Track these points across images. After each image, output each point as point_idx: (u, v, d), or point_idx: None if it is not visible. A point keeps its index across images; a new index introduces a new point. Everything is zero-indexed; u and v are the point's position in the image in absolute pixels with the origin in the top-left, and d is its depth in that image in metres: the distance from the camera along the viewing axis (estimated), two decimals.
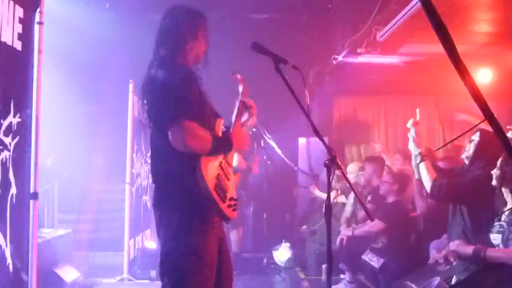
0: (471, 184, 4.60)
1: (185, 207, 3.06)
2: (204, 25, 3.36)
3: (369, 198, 6.62)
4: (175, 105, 2.97)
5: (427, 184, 4.81)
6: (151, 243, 8.52)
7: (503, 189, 4.12)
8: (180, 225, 3.06)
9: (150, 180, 9.05)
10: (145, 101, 3.21)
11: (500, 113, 9.00)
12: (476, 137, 4.75)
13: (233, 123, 3.38)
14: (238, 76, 3.44)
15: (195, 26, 3.31)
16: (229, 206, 3.18)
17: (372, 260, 5.75)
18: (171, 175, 3.11)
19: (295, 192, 9.85)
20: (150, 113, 3.19)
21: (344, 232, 6.44)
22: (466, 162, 4.85)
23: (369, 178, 6.88)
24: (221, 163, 3.22)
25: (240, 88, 3.48)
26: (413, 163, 5.22)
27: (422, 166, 4.84)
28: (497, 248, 3.91)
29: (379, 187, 6.34)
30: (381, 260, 5.64)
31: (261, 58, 3.26)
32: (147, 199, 9.06)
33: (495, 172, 4.13)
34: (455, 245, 4.16)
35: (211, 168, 3.10)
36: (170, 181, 3.11)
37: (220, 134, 3.32)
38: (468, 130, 4.54)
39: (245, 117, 3.49)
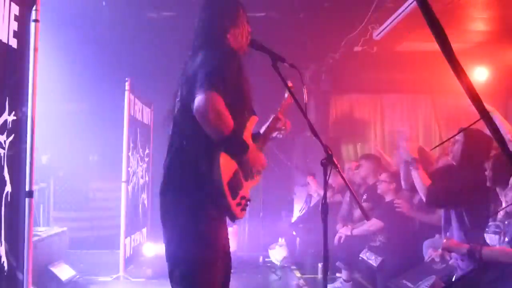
0: (464, 186, 4.58)
1: (196, 194, 2.96)
2: (242, 11, 3.29)
3: (364, 196, 6.62)
4: (208, 74, 2.88)
5: (422, 192, 4.76)
6: (150, 249, 8.50)
7: (497, 189, 4.13)
8: (190, 213, 2.98)
9: (147, 178, 9.13)
10: (180, 84, 3.15)
11: None
12: (460, 137, 4.72)
13: (261, 133, 3.40)
14: (290, 84, 3.37)
15: (234, 13, 3.25)
16: (238, 204, 3.09)
17: (370, 258, 5.76)
18: (189, 158, 3.02)
19: (291, 190, 9.85)
20: (181, 92, 3.11)
21: (343, 231, 6.45)
22: (454, 163, 4.83)
23: (365, 176, 6.89)
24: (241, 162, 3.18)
25: (286, 95, 3.46)
26: (402, 171, 5.20)
27: (415, 174, 4.78)
28: (493, 247, 3.92)
29: (375, 186, 6.34)
30: (380, 259, 5.65)
31: (259, 55, 3.26)
32: (145, 198, 9.06)
33: (488, 174, 4.13)
34: (448, 244, 4.17)
35: (231, 162, 3.04)
36: (186, 164, 3.03)
37: (249, 133, 3.25)
38: (465, 128, 4.52)
39: (273, 134, 3.50)
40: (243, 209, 3.16)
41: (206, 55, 3.03)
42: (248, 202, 3.21)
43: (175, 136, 3.15)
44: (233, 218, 3.13)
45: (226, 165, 2.99)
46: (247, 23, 3.31)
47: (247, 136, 3.21)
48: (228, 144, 2.97)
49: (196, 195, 2.97)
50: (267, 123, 3.50)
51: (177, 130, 3.15)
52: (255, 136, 3.36)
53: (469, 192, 4.50)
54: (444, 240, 4.31)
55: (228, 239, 3.26)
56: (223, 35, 3.18)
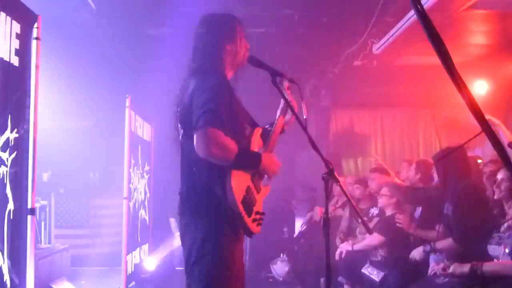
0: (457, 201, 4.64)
1: (213, 215, 3.02)
2: (239, 27, 3.30)
3: (377, 211, 6.48)
4: (202, 113, 2.93)
5: None
6: (151, 262, 8.46)
7: (504, 202, 4.13)
8: (207, 233, 3.03)
9: (148, 195, 9.11)
10: (178, 109, 3.19)
11: None
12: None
13: (269, 137, 3.37)
14: (286, 84, 3.37)
15: (232, 30, 3.26)
16: (254, 220, 3.14)
17: (372, 273, 5.72)
18: (201, 183, 3.07)
19: (293, 206, 9.82)
20: (181, 119, 3.17)
21: (344, 245, 6.40)
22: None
23: (377, 190, 6.71)
24: (253, 175, 3.20)
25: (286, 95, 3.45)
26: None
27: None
28: (493, 261, 3.93)
29: None
30: (381, 273, 5.61)
31: (258, 71, 3.26)
32: (144, 214, 9.04)
33: (498, 187, 4.13)
34: (452, 268, 4.16)
35: (242, 180, 3.08)
36: (199, 189, 3.07)
37: (257, 144, 3.29)
38: (467, 142, 4.53)
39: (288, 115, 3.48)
40: (259, 224, 3.22)
41: (199, 86, 3.06)
42: (263, 216, 3.25)
43: (184, 162, 3.21)
44: (250, 234, 3.19)
45: (238, 184, 3.03)
46: (245, 39, 3.32)
47: (254, 147, 3.26)
48: (239, 164, 3.04)
49: (212, 217, 3.03)
50: (275, 121, 3.48)
51: (185, 156, 3.20)
52: (265, 137, 3.39)
53: (464, 206, 4.55)
54: (449, 266, 4.30)
55: (243, 257, 3.29)
56: (219, 55, 3.19)
